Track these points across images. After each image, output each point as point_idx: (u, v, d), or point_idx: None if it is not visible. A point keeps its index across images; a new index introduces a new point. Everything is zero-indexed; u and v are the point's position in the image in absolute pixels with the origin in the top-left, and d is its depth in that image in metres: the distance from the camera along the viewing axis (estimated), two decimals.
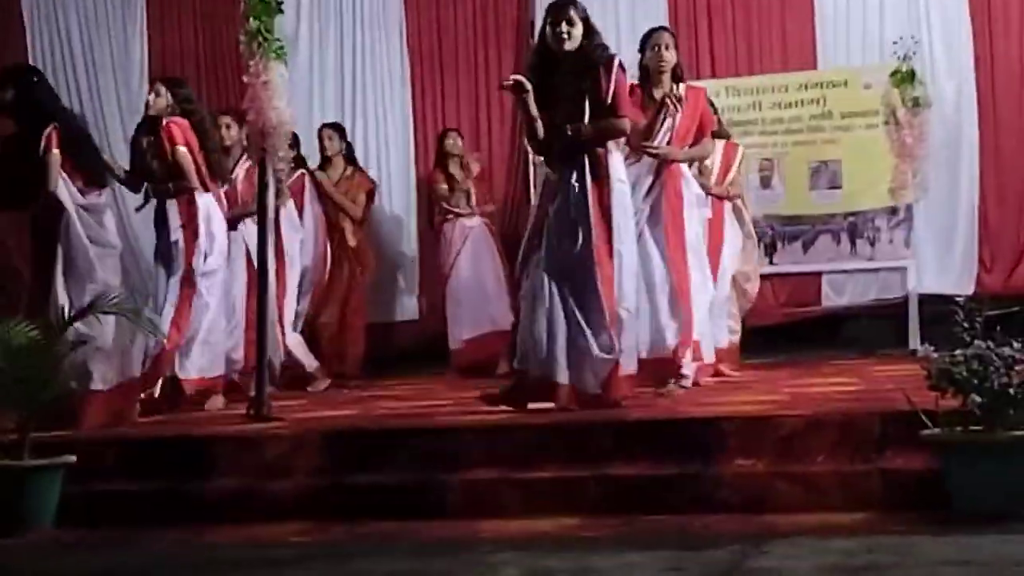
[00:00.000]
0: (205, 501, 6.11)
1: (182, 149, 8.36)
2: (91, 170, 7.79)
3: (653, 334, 7.55)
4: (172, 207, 8.42)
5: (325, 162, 10.93)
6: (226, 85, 12.16)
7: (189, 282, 8.30)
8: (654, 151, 7.80)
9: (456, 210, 11.01)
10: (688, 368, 7.82)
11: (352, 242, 10.91)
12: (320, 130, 11.02)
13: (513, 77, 7.05)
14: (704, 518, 5.45)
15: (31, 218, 7.74)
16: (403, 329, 11.81)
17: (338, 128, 11.16)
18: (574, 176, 6.94)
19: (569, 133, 6.91)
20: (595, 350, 6.79)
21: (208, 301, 8.38)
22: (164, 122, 8.40)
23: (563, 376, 6.79)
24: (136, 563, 5.48)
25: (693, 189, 8.08)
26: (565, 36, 6.93)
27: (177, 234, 8.35)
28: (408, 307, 11.89)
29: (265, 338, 7.53)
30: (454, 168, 11.13)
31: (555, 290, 6.85)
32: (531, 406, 6.87)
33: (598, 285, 6.82)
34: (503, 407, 6.92)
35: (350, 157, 11.12)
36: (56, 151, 7.54)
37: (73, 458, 6.09)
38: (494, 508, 5.77)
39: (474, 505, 5.82)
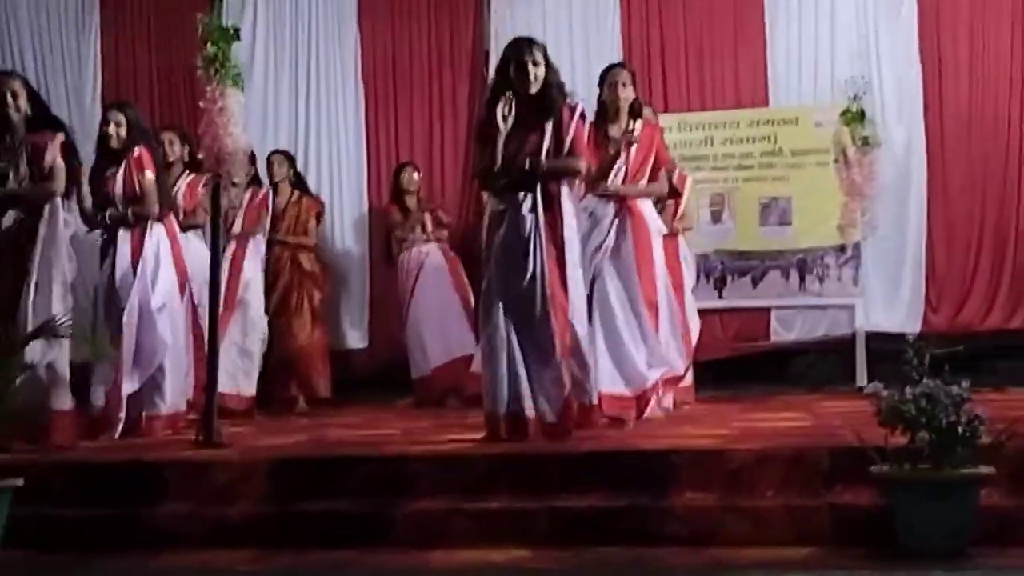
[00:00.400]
0: (154, 526, 6.07)
1: (150, 175, 8.35)
2: (71, 186, 7.76)
3: (621, 370, 7.62)
4: (124, 239, 8.38)
5: (272, 188, 10.94)
6: (179, 109, 12.15)
7: (141, 320, 8.28)
8: (603, 191, 7.88)
9: (410, 236, 11.03)
10: (667, 401, 7.95)
11: (307, 267, 10.95)
12: (269, 156, 11.02)
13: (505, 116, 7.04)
14: (654, 551, 5.46)
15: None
16: (353, 357, 11.79)
17: (287, 155, 11.18)
18: (527, 206, 6.97)
19: (528, 166, 6.95)
20: (546, 381, 6.83)
21: (164, 338, 8.34)
22: (136, 151, 8.39)
23: (530, 410, 6.85)
24: None
25: (656, 225, 8.14)
26: (533, 78, 6.97)
27: (125, 268, 8.31)
28: (358, 335, 11.87)
29: (216, 364, 7.50)
30: (410, 202, 11.15)
31: (510, 325, 6.89)
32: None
33: (550, 316, 6.85)
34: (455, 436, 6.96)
35: (297, 183, 11.13)
36: (60, 160, 7.55)
37: (20, 481, 6.03)
38: (444, 538, 5.76)
39: (423, 535, 5.80)
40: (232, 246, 10.28)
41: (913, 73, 11.43)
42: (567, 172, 7.09)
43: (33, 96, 7.73)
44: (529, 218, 6.95)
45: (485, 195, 7.29)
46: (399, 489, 6.08)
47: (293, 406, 10.58)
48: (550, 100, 7.02)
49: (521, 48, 7.04)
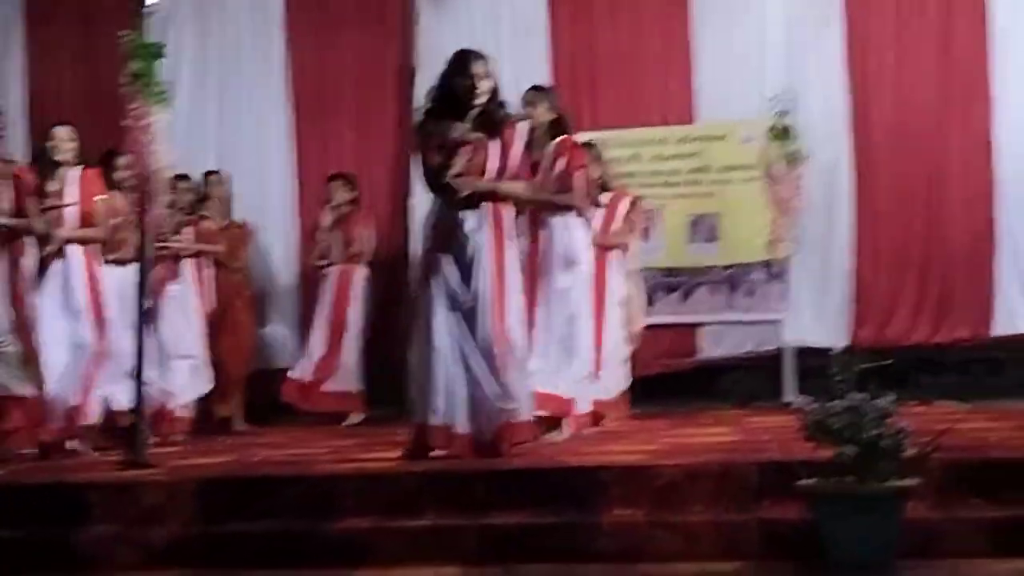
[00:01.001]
0: (80, 549, 6.01)
1: (103, 198, 8.40)
2: None
3: None
4: (78, 259, 8.37)
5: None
6: (107, 128, 12.01)
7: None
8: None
9: (317, 263, 11.17)
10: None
11: (242, 290, 11.01)
12: (206, 176, 10.94)
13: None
14: (583, 567, 5.48)
15: None
16: (283, 376, 11.73)
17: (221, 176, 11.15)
18: (473, 223, 6.96)
19: (486, 188, 6.97)
20: (485, 399, 6.81)
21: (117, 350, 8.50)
22: (92, 171, 8.58)
23: (462, 426, 6.82)
24: None
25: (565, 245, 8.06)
26: (481, 92, 6.98)
27: (80, 283, 8.31)
28: (288, 354, 11.81)
29: (142, 385, 7.45)
30: (324, 219, 11.14)
31: (451, 338, 6.86)
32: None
33: (491, 332, 6.84)
34: (382, 455, 6.92)
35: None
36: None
37: None
38: (372, 556, 5.75)
39: (352, 553, 5.78)
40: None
41: (840, 89, 11.51)
42: (514, 197, 7.19)
43: None
44: (477, 236, 6.94)
45: (433, 199, 7.18)
46: (327, 508, 6.06)
47: (226, 424, 10.53)
48: (495, 116, 7.06)
49: (468, 60, 7.04)
